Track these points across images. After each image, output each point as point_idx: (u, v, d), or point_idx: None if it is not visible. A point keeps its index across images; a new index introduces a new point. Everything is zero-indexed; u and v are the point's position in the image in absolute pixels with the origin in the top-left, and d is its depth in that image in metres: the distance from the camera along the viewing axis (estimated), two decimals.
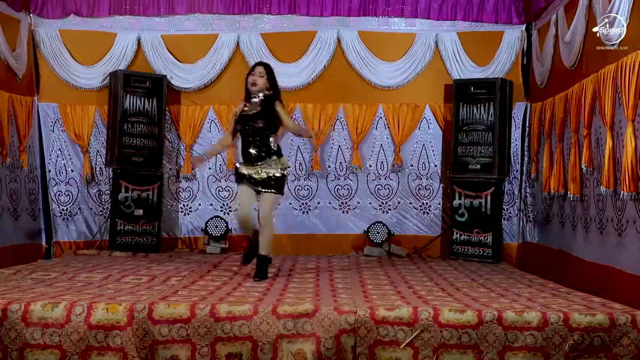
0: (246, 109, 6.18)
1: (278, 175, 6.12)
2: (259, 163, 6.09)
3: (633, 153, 5.26)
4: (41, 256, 8.24)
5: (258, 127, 6.07)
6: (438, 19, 8.76)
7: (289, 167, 6.36)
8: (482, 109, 8.37)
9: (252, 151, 6.10)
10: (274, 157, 6.12)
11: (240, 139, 6.29)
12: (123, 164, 8.44)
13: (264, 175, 6.09)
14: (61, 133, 8.72)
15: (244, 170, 6.14)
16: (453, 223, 8.56)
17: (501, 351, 4.41)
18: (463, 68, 8.74)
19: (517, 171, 8.63)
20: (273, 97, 6.19)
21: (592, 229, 6.20)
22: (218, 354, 4.41)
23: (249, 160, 6.12)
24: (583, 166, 6.32)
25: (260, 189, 6.12)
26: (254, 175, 6.10)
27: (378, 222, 8.66)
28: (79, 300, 4.64)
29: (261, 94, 6.15)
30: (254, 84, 6.18)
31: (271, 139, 6.12)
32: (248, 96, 6.24)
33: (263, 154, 6.08)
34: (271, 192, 6.11)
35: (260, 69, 6.24)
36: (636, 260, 5.24)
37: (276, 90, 6.25)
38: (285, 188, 6.43)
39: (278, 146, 6.20)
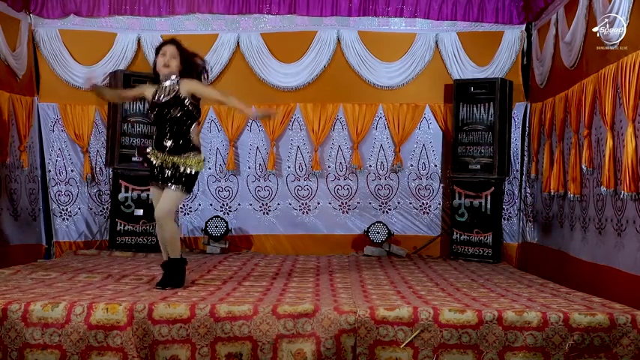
0: (157, 96, 5.44)
1: (189, 172, 5.40)
2: (172, 157, 5.40)
3: (634, 153, 5.27)
4: (41, 256, 8.24)
5: (174, 116, 5.37)
6: (438, 19, 8.76)
7: (202, 163, 5.52)
8: (483, 109, 8.37)
9: (167, 143, 5.40)
10: (192, 154, 5.43)
11: (154, 124, 5.61)
12: (123, 164, 8.44)
13: (173, 171, 5.38)
14: (61, 133, 8.72)
15: (154, 158, 5.45)
16: (453, 223, 8.56)
17: (501, 351, 4.40)
18: (463, 68, 8.74)
19: (517, 171, 8.64)
20: (189, 77, 5.46)
21: (591, 229, 6.20)
22: (218, 354, 4.41)
23: (161, 149, 5.44)
24: (583, 166, 6.32)
25: (164, 184, 5.41)
26: (163, 165, 5.40)
27: (378, 222, 8.65)
28: (79, 300, 4.64)
29: (173, 77, 5.42)
30: (166, 65, 5.41)
31: (191, 130, 5.44)
32: (157, 79, 5.51)
33: (179, 148, 5.40)
34: (175, 187, 5.36)
35: (171, 49, 5.44)
36: (636, 260, 5.24)
37: (190, 69, 5.49)
38: (195, 188, 5.73)
39: (198, 139, 5.53)
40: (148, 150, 5.53)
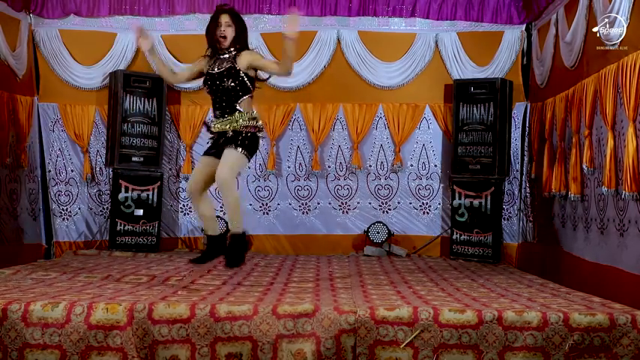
0: (212, 67, 5.42)
1: (241, 131, 5.30)
2: (222, 124, 5.38)
3: (635, 153, 5.27)
4: (41, 256, 8.24)
5: (227, 87, 5.33)
6: (437, 19, 8.76)
7: (260, 125, 5.43)
8: (482, 109, 8.37)
9: (217, 112, 5.44)
10: (240, 114, 5.35)
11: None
12: (123, 164, 8.44)
13: (225, 136, 5.33)
14: (61, 133, 8.71)
15: (213, 128, 5.43)
16: (453, 223, 8.56)
17: (501, 351, 4.40)
18: (463, 68, 8.74)
19: (517, 171, 8.64)
20: (243, 48, 5.39)
21: (592, 229, 6.20)
22: (218, 354, 4.40)
23: (216, 117, 5.48)
24: (584, 166, 6.32)
25: (221, 149, 5.33)
26: (218, 128, 5.36)
27: (378, 222, 8.66)
28: (79, 300, 4.64)
29: (232, 49, 5.36)
30: (224, 37, 5.36)
31: (240, 103, 5.37)
32: (215, 51, 5.43)
33: (227, 114, 5.37)
34: (234, 148, 5.26)
35: (226, 17, 5.40)
36: (638, 260, 5.24)
37: (245, 39, 5.41)
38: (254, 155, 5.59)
39: (250, 111, 5.39)
40: (208, 121, 5.54)
